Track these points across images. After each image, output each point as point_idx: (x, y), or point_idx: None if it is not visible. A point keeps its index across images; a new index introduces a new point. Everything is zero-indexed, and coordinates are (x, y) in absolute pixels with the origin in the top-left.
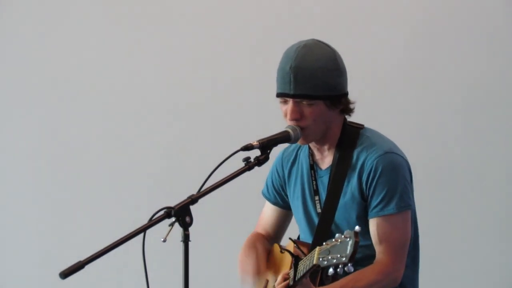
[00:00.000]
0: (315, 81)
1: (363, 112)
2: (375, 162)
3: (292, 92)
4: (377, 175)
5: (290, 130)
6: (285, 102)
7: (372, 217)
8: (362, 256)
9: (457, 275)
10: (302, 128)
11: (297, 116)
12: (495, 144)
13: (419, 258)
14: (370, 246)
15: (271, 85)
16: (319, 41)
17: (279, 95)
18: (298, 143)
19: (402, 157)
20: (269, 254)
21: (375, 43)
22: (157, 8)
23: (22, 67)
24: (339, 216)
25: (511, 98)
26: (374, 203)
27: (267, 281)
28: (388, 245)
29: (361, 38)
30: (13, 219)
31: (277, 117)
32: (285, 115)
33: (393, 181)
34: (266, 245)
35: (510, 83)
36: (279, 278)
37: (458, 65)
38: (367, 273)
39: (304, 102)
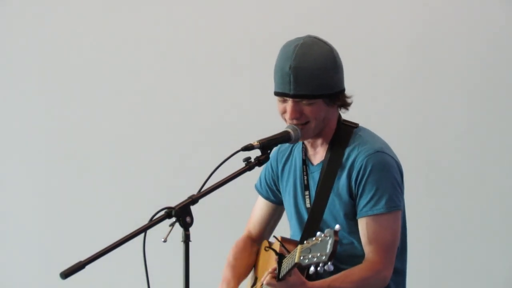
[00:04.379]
0: (315, 81)
1: (363, 112)
2: (365, 160)
3: (292, 93)
4: (366, 174)
5: (290, 130)
6: (284, 100)
7: (361, 217)
8: (348, 254)
9: (457, 276)
10: (302, 125)
11: (297, 116)
12: (495, 145)
13: (406, 261)
14: (357, 244)
15: (272, 85)
16: (316, 38)
17: (278, 94)
18: None
19: (393, 158)
20: (258, 253)
21: (375, 42)
22: (158, 7)
23: (22, 65)
24: (328, 213)
25: (511, 99)
26: (363, 202)
27: (256, 278)
28: (378, 244)
29: (361, 38)
30: (13, 219)
31: (277, 117)
32: (283, 113)
33: (383, 180)
34: (252, 252)
35: (510, 84)
36: (266, 274)
37: (458, 65)
38: (357, 270)
39: (304, 102)
